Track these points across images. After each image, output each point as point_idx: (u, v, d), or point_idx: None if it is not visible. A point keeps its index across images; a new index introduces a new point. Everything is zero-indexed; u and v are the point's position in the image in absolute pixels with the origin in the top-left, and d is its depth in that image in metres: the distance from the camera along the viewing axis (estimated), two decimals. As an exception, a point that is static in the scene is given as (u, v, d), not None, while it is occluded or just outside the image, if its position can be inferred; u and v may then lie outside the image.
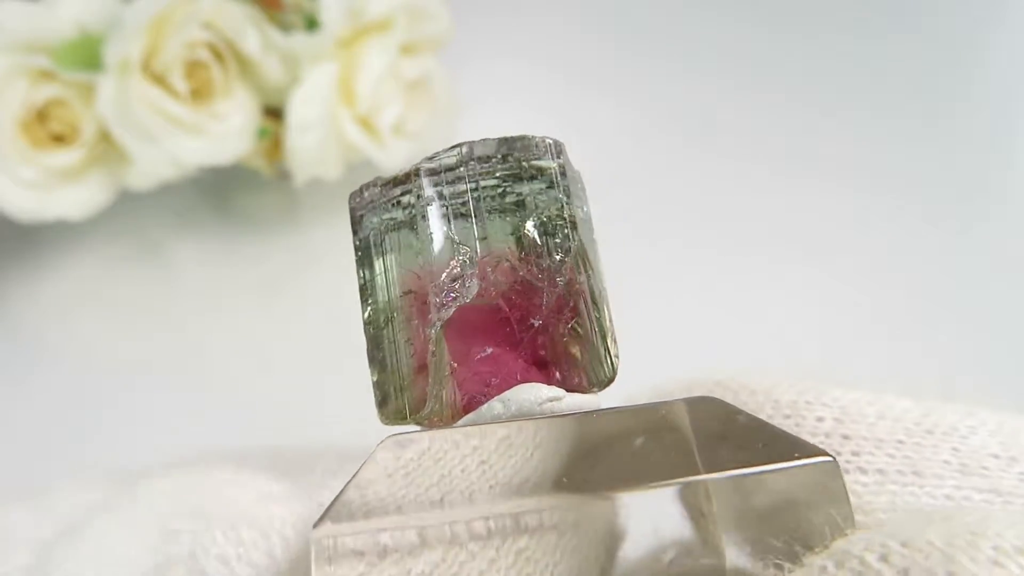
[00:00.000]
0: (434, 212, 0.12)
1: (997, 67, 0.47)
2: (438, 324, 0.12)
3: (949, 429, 0.12)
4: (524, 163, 0.12)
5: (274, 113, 0.35)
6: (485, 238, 0.12)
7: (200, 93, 0.33)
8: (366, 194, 0.13)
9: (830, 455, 0.10)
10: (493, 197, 0.12)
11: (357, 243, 0.13)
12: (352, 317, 0.36)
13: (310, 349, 0.32)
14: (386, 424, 0.12)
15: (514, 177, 0.12)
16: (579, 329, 0.12)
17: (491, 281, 0.12)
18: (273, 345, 0.33)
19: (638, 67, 0.45)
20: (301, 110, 0.33)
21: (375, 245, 0.12)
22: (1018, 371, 0.30)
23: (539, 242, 0.12)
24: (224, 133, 0.33)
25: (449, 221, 0.12)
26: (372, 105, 0.34)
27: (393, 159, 0.35)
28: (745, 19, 0.48)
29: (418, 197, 0.12)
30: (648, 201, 0.38)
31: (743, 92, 0.44)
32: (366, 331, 0.12)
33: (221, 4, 0.32)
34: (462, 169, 0.12)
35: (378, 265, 0.12)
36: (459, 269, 0.12)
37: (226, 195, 0.38)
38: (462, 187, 0.12)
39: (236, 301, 0.35)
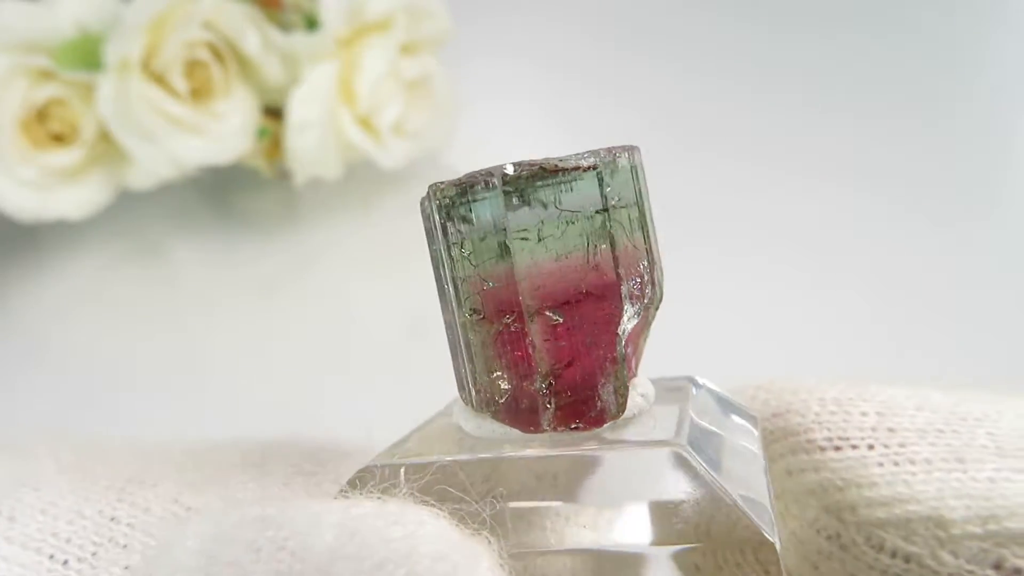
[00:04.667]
0: (624, 215, 0.12)
1: (997, 67, 0.47)
2: (630, 324, 0.12)
3: (981, 415, 0.13)
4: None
5: (274, 113, 0.35)
6: (651, 247, 0.12)
7: (200, 93, 0.33)
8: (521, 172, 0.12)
9: (773, 540, 0.10)
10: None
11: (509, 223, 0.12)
12: (350, 317, 0.36)
13: (310, 349, 0.32)
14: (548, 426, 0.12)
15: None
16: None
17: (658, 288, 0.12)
18: (273, 345, 0.33)
19: (638, 67, 0.45)
20: (301, 110, 0.33)
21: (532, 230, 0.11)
22: (1019, 371, 0.30)
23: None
24: (224, 133, 0.33)
25: (630, 226, 0.12)
26: (372, 105, 0.34)
27: (393, 159, 0.35)
28: (746, 19, 0.48)
29: (609, 196, 0.12)
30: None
31: (743, 92, 0.44)
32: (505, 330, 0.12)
33: (221, 4, 0.32)
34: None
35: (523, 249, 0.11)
36: (648, 275, 0.12)
37: (226, 195, 0.38)
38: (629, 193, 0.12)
39: (236, 301, 0.34)
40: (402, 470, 0.12)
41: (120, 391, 0.31)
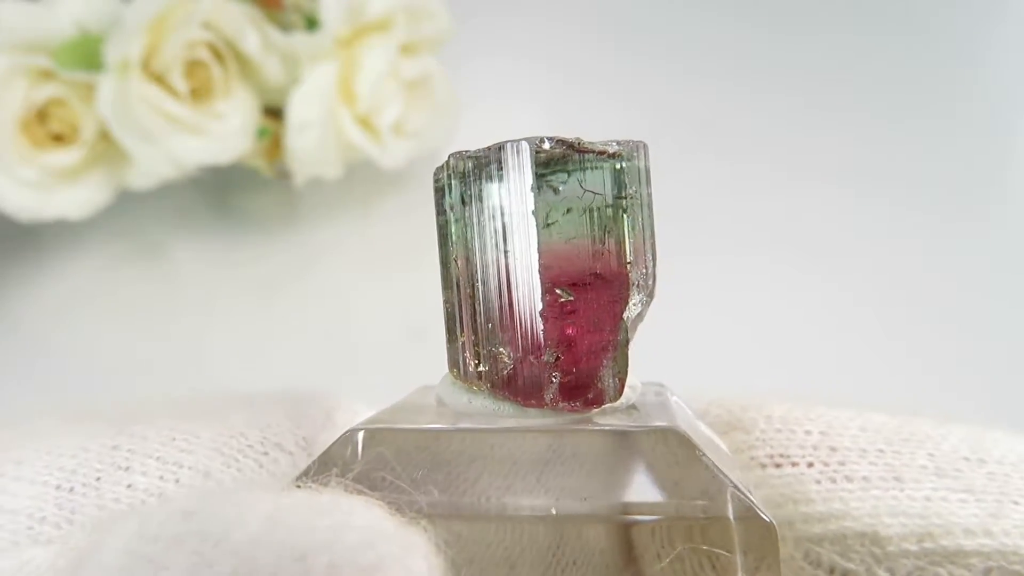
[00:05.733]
0: (641, 204, 0.12)
1: (998, 67, 0.47)
2: (634, 312, 0.12)
3: (924, 437, 0.13)
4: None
5: (274, 113, 0.35)
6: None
7: (200, 93, 0.33)
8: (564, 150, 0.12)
9: (770, 520, 0.11)
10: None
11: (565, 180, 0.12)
12: (350, 317, 0.36)
13: (310, 349, 0.32)
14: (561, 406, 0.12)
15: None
16: None
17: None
18: (273, 345, 0.33)
19: (638, 67, 0.45)
20: (301, 110, 0.33)
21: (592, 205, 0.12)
22: (1019, 371, 0.30)
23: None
24: (224, 133, 0.33)
25: (641, 217, 0.12)
26: (372, 105, 0.34)
27: (393, 159, 0.35)
28: (745, 19, 0.48)
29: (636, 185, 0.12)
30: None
31: (743, 92, 0.44)
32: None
33: (221, 4, 0.32)
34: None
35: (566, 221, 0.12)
36: (651, 268, 0.12)
37: (226, 195, 0.38)
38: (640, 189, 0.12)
39: (236, 301, 0.34)
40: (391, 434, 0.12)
41: (120, 391, 0.31)
